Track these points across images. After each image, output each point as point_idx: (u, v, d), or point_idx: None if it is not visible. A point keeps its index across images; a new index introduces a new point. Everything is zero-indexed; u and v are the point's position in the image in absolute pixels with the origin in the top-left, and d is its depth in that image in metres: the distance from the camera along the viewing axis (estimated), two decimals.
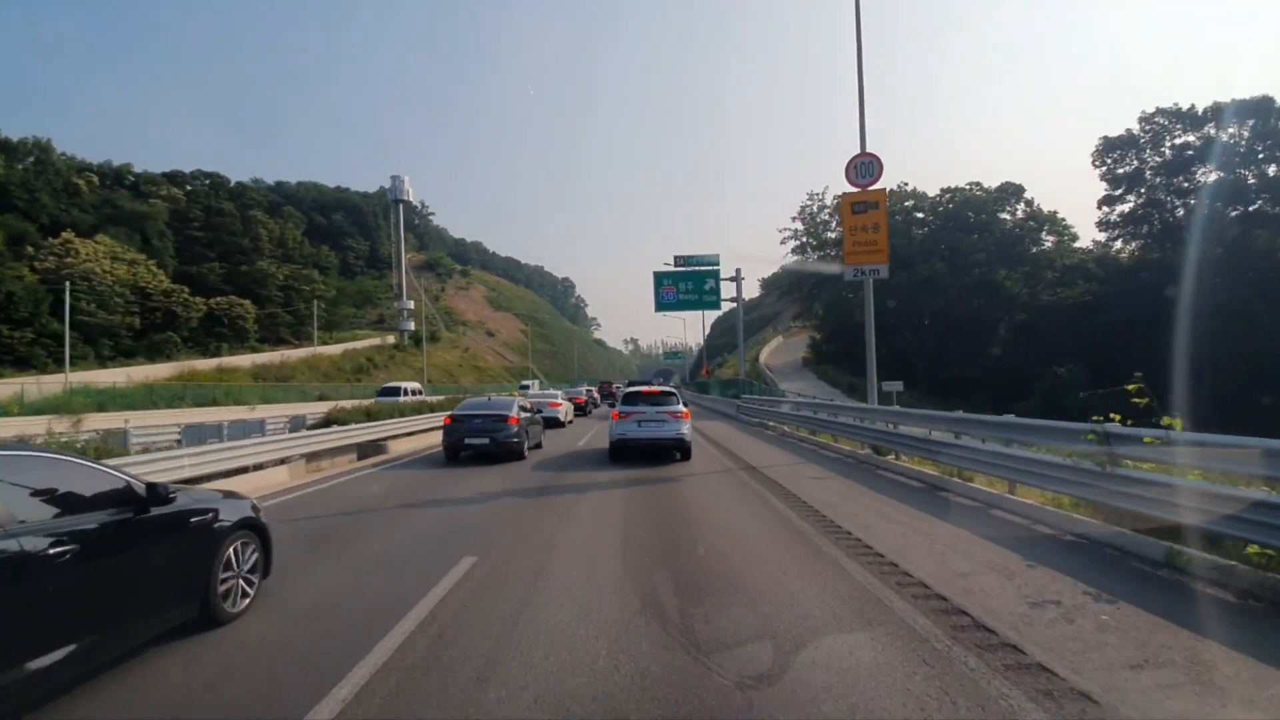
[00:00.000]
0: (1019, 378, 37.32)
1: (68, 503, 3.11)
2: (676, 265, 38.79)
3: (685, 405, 13.42)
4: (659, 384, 33.52)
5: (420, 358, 70.28)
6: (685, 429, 12.61)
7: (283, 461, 11.00)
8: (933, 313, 44.41)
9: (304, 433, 13.51)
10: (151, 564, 3.51)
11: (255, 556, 4.37)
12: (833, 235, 62.83)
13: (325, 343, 64.64)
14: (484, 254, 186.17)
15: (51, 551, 2.83)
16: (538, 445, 15.01)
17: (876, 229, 14.22)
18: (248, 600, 4.22)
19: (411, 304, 76.00)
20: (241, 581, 4.18)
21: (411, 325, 74.24)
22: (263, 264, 61.20)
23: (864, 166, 14.26)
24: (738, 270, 38.65)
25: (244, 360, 48.07)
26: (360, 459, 13.78)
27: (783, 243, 65.71)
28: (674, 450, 12.64)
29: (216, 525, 4.02)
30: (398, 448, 15.60)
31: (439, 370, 72.04)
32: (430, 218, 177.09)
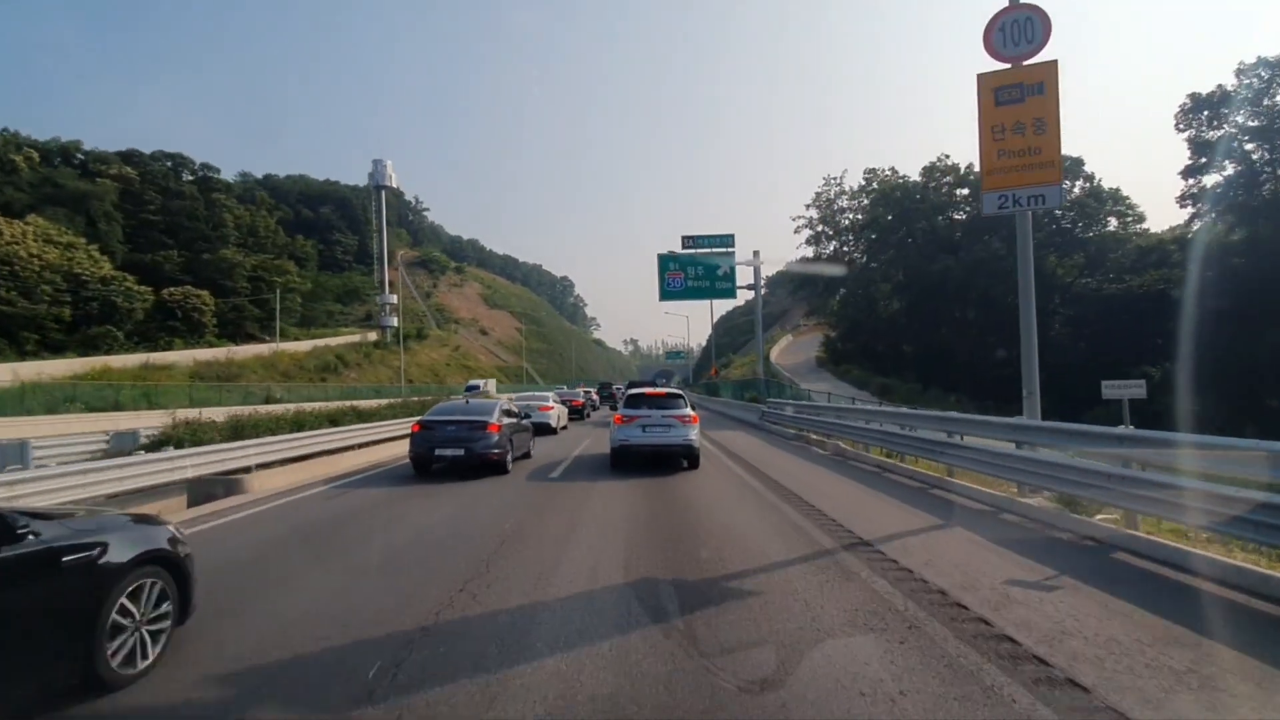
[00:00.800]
0: (1084, 377, 31.55)
1: None
2: (685, 248, 33.21)
3: (693, 408, 12.37)
4: (661, 385, 28.00)
5: (397, 355, 64.78)
6: (693, 434, 11.71)
7: None
8: (982, 302, 38.77)
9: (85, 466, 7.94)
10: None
11: (165, 602, 3.45)
12: (847, 222, 57.53)
13: (298, 339, 59.12)
14: (480, 252, 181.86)
15: None
16: (525, 455, 12.90)
17: (1041, 128, 8.53)
18: (154, 654, 3.32)
19: (395, 298, 70.42)
20: (145, 633, 3.28)
21: (395, 321, 68.62)
22: (227, 252, 55.57)
23: (1017, 26, 8.62)
24: (755, 253, 33.06)
25: (182, 356, 42.30)
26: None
27: (796, 231, 60.13)
28: (681, 458, 11.72)
29: (103, 563, 3.11)
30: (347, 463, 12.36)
31: (423, 370, 66.48)
32: (425, 213, 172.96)
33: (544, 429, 18.76)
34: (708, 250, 32.94)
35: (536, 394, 27.46)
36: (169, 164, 62.28)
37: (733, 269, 32.82)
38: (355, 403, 19.43)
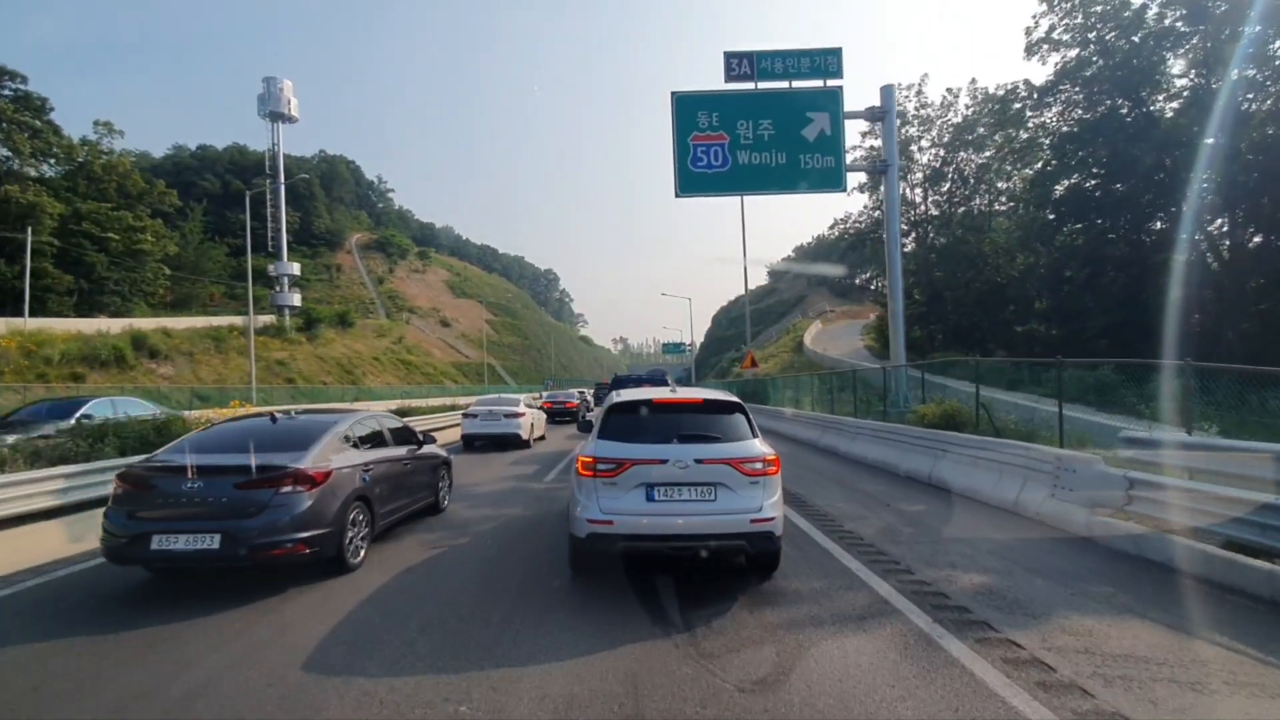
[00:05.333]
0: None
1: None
2: (732, 78, 15.37)
3: (759, 437, 5.08)
4: (673, 382, 11.64)
5: (298, 346, 46.48)
6: (769, 503, 4.71)
7: None
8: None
9: None
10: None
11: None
12: (938, 149, 39.37)
13: (139, 315, 40.77)
14: (455, 240, 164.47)
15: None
16: (431, 508, 7.92)
17: None
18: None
19: (296, 268, 52.27)
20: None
21: (295, 300, 50.41)
22: (13, 188, 36.89)
23: None
24: (886, 89, 15.25)
25: None
26: None
27: (851, 165, 42.69)
28: (734, 553, 4.91)
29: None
30: None
31: (329, 365, 48.21)
32: (390, 195, 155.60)
33: (512, 442, 15.69)
34: (781, 85, 15.09)
35: (506, 396, 19.03)
36: None
37: (838, 122, 14.97)
38: None
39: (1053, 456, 7.20)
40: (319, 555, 5.15)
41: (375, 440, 6.61)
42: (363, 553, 5.76)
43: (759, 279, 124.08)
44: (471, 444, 15.91)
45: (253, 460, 5.03)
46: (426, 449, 7.73)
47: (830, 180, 14.86)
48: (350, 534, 5.54)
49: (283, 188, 55.52)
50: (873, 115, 15.12)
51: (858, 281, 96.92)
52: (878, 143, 37.22)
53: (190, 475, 4.95)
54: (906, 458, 10.65)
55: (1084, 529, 6.40)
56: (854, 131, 33.66)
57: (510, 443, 15.66)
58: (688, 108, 14.86)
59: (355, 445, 6.11)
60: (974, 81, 51.36)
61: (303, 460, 5.22)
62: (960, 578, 5.12)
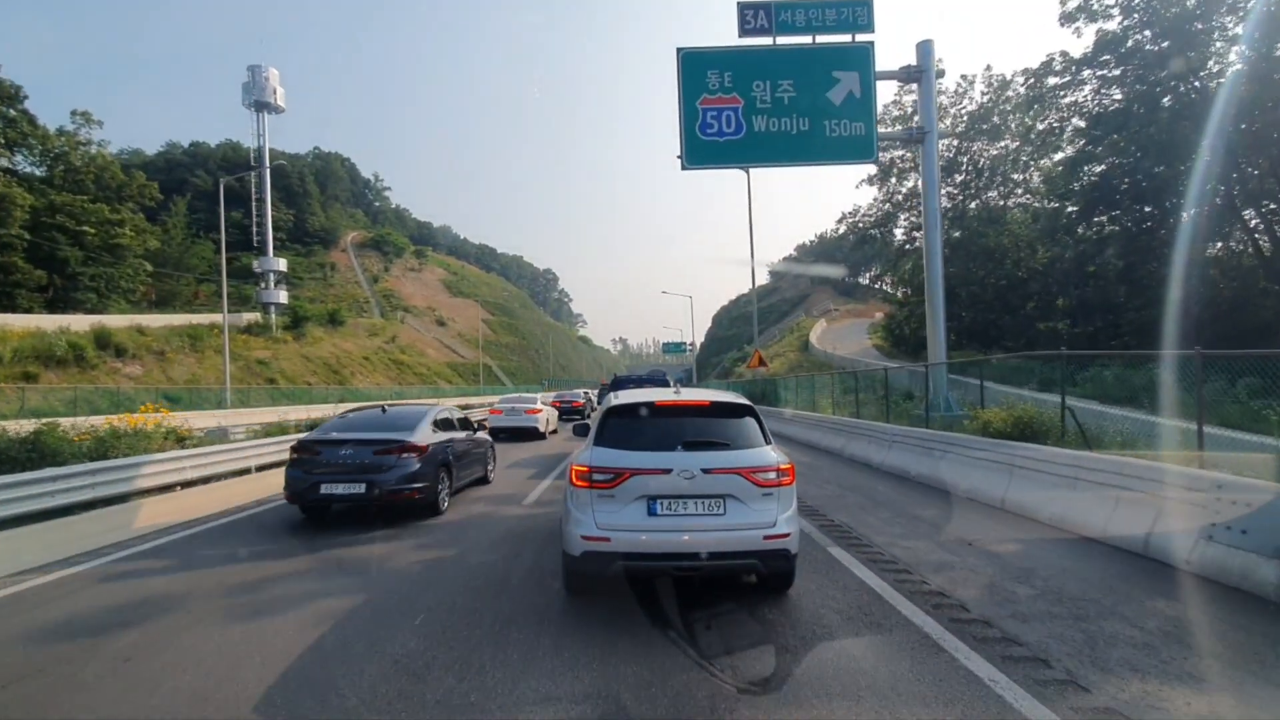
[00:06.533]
0: None
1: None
2: (746, 33, 13.43)
3: (772, 444, 4.63)
4: (674, 383, 12.32)
5: (283, 345, 44.53)
6: (783, 517, 4.28)
7: None
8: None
9: None
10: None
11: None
12: (952, 139, 37.18)
13: (118, 312, 38.82)
14: (453, 239, 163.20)
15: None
16: (481, 481, 9.94)
17: None
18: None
19: (282, 264, 50.25)
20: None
21: (281, 297, 48.42)
22: None
23: None
24: (923, 45, 13.31)
25: None
26: None
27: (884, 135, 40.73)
28: (747, 569, 4.40)
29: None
30: None
31: (316, 365, 46.19)
32: (387, 193, 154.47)
33: (530, 434, 18.26)
34: (803, 40, 13.15)
35: (525, 396, 22.22)
36: None
37: (868, 85, 13.03)
38: None
39: (1209, 483, 5.26)
40: (423, 500, 7.45)
41: (450, 426, 8.79)
42: (446, 503, 8.09)
43: (760, 278, 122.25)
44: (497, 435, 17.16)
45: (378, 436, 7.42)
46: (480, 434, 10.09)
47: (859, 149, 12.89)
48: (440, 488, 7.85)
49: (268, 179, 53.40)
50: (908, 75, 13.15)
51: (862, 280, 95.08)
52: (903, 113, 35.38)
53: (341, 446, 7.24)
54: (966, 474, 8.70)
55: (1277, 591, 4.47)
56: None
57: (529, 435, 18.22)
58: (696, 67, 12.89)
59: (439, 428, 8.28)
60: (989, 68, 49.52)
61: (412, 436, 7.51)
62: (1173, 698, 3.17)
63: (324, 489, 6.98)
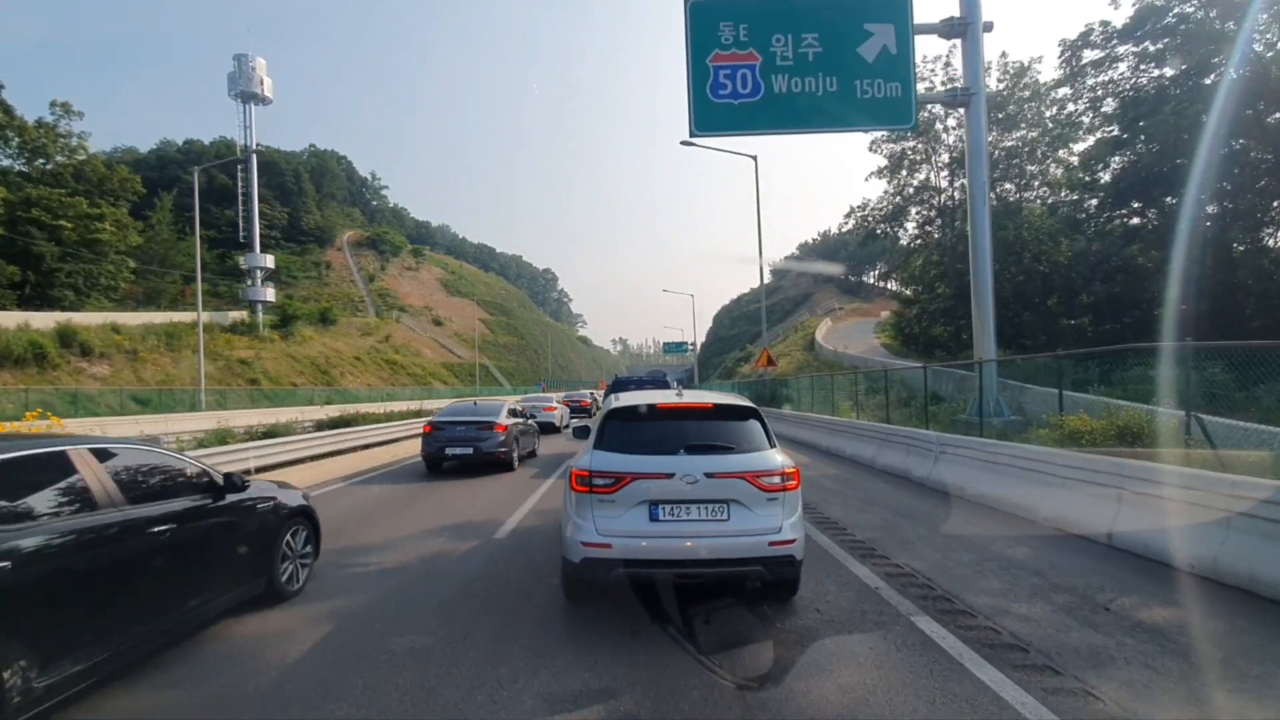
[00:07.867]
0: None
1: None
2: None
3: (777, 447, 4.49)
4: (675, 384, 15.23)
5: (268, 344, 42.78)
6: (788, 523, 4.17)
7: None
8: None
9: None
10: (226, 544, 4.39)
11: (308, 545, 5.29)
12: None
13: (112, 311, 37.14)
14: (451, 238, 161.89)
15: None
16: (531, 454, 14.08)
17: None
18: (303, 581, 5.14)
19: (270, 261, 48.51)
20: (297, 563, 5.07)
21: (269, 295, 46.69)
22: None
23: None
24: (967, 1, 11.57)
25: None
26: None
27: (924, 96, 38.67)
28: (749, 576, 4.33)
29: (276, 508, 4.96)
30: None
31: (302, 365, 44.43)
32: (384, 192, 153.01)
33: (548, 428, 20.12)
34: None
35: (541, 396, 26.56)
36: None
37: (905, 39, 11.31)
38: None
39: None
40: (505, 459, 11.66)
41: (516, 414, 13.02)
42: (517, 464, 12.25)
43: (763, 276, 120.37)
44: None
45: (479, 419, 11.80)
46: (531, 422, 14.48)
47: (895, 113, 11.17)
48: (514, 453, 12.06)
49: (254, 171, 51.69)
50: (950, 29, 11.43)
51: (867, 279, 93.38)
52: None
53: (458, 425, 11.73)
54: (1049, 497, 6.97)
55: None
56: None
57: (547, 429, 19.92)
58: (707, 18, 11.17)
59: (511, 415, 12.46)
60: (1004, 55, 47.76)
61: (499, 419, 11.82)
62: None
63: (448, 450, 11.46)
